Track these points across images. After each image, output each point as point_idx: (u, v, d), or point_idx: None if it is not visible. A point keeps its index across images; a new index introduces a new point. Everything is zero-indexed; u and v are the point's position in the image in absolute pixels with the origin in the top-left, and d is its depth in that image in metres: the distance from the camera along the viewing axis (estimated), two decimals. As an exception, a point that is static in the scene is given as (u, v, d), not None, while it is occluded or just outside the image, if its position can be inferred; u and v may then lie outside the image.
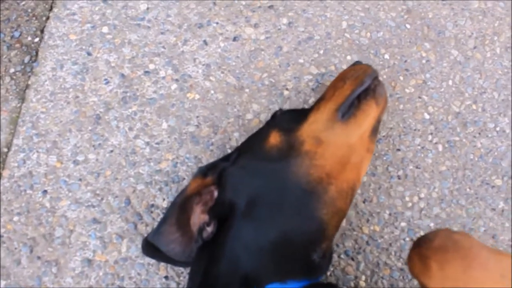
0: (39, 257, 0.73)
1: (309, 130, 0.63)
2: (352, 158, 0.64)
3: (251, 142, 0.68)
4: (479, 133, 0.84)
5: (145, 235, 0.73)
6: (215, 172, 0.65)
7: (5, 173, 0.76)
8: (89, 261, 0.73)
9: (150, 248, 0.67)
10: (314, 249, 0.60)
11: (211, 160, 0.77)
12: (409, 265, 0.51)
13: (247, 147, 0.67)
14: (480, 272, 0.45)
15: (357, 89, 0.66)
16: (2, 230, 0.73)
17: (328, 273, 0.75)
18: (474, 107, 0.85)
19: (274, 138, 0.64)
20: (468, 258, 0.45)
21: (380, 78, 0.70)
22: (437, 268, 0.46)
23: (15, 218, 0.74)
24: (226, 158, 0.68)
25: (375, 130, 0.68)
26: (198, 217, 0.63)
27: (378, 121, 0.68)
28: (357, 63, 0.74)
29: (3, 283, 0.71)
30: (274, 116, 0.72)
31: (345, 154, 0.63)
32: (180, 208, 0.64)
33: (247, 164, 0.63)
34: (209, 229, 0.62)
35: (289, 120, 0.67)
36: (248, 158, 0.64)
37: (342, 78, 0.70)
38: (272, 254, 0.58)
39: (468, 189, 0.81)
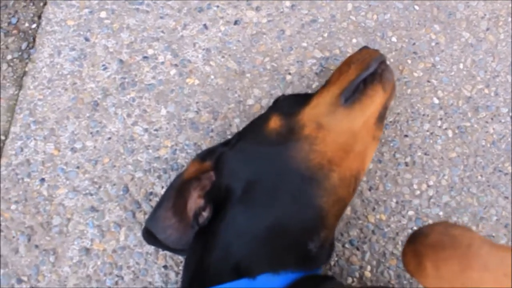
0: (36, 246, 0.71)
1: (310, 114, 0.61)
2: (356, 145, 0.61)
3: (251, 127, 0.66)
4: (492, 118, 0.80)
5: (144, 224, 0.71)
6: (214, 156, 0.63)
7: (3, 161, 0.74)
8: (87, 250, 0.71)
9: (151, 235, 0.66)
10: (311, 238, 0.57)
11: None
12: (403, 261, 0.47)
13: (247, 132, 0.65)
14: (481, 273, 0.41)
15: (362, 74, 0.63)
16: (0, 218, 0.72)
17: (332, 263, 0.72)
18: (486, 91, 0.81)
19: (274, 122, 0.62)
20: (467, 258, 0.41)
21: (388, 63, 0.67)
22: (431, 267, 0.42)
23: (13, 207, 0.73)
24: (226, 143, 0.66)
25: (381, 117, 0.65)
26: (195, 201, 0.61)
27: (385, 108, 0.66)
28: (364, 48, 0.71)
29: (1, 271, 0.70)
30: (277, 101, 0.69)
31: (348, 140, 0.60)
32: (177, 192, 0.62)
33: (246, 149, 0.61)
34: (205, 214, 0.60)
35: (291, 104, 0.65)
36: (247, 142, 0.62)
37: (347, 62, 0.68)
38: (266, 242, 0.56)
39: (479, 177, 0.77)
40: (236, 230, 0.56)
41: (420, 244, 0.44)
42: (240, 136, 0.65)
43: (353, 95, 0.62)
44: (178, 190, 0.62)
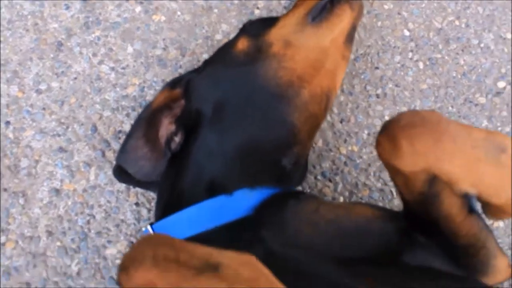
0: (5, 189, 0.70)
1: (277, 33, 0.61)
2: (326, 63, 0.61)
3: (219, 52, 0.66)
4: (462, 50, 0.80)
5: (114, 162, 0.70)
6: (183, 83, 0.62)
7: (-34, 105, 0.73)
8: (57, 191, 0.70)
9: (123, 171, 0.65)
10: (284, 154, 0.58)
11: (180, 83, 0.74)
12: (378, 150, 0.48)
13: (215, 58, 0.65)
14: (450, 144, 0.42)
15: None
16: (-34, 163, 0.71)
17: (305, 196, 0.72)
18: (457, 22, 0.81)
19: (242, 44, 0.61)
20: (437, 132, 0.43)
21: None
22: (407, 144, 0.43)
23: (-21, 150, 0.71)
24: (194, 70, 0.65)
25: (350, 37, 0.65)
26: (166, 128, 0.61)
27: (354, 28, 0.65)
28: None
29: (-31, 216, 0.69)
30: (244, 26, 0.69)
31: (317, 57, 0.60)
32: (147, 121, 0.62)
33: (214, 72, 0.61)
34: (177, 139, 0.60)
35: (259, 27, 0.64)
36: (215, 66, 0.62)
37: None
38: (239, 159, 0.56)
39: (450, 108, 0.77)
40: (207, 151, 0.56)
41: (393, 128, 0.45)
42: (208, 62, 0.64)
43: (320, 14, 0.62)
44: (148, 119, 0.62)
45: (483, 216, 0.49)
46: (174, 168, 0.59)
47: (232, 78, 0.59)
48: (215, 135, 0.57)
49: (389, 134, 0.45)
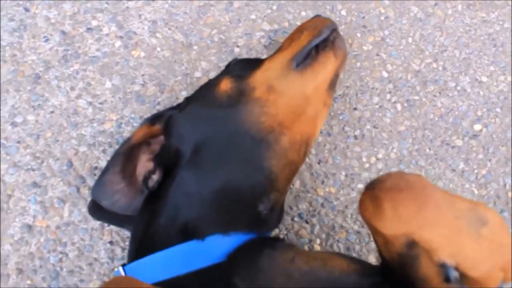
0: (-25, 224, 0.69)
1: (261, 77, 0.61)
2: (307, 110, 0.61)
3: (201, 90, 0.66)
4: (440, 92, 0.81)
5: (89, 198, 0.69)
6: (163, 119, 0.62)
7: None
8: (29, 227, 0.69)
9: (97, 208, 0.64)
10: (261, 200, 0.57)
11: (158, 120, 0.73)
12: (360, 209, 0.47)
13: (197, 95, 0.65)
14: (433, 212, 0.42)
15: (314, 40, 0.64)
16: None
17: (282, 237, 0.72)
18: (434, 65, 0.82)
19: (225, 85, 0.61)
20: (421, 198, 0.42)
21: (339, 31, 0.67)
22: (389, 208, 0.43)
23: (-51, 184, 0.70)
24: (175, 107, 0.65)
25: (333, 84, 0.65)
26: (144, 165, 0.60)
27: (336, 75, 0.66)
28: (316, 16, 0.71)
29: None
30: (229, 65, 0.69)
31: (299, 104, 0.60)
32: (125, 156, 0.61)
33: (195, 111, 0.61)
34: (155, 177, 0.59)
35: (243, 68, 0.65)
36: (196, 105, 0.61)
37: (300, 29, 0.68)
38: (215, 203, 0.55)
39: (427, 150, 0.78)
40: (184, 193, 0.56)
41: (377, 189, 0.45)
42: (190, 99, 0.64)
43: (304, 60, 0.62)
44: (126, 154, 0.61)
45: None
46: (150, 206, 0.59)
47: (213, 120, 0.59)
48: (193, 177, 0.56)
49: (373, 195, 0.45)
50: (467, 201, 0.44)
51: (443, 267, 0.43)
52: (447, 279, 0.44)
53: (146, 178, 0.60)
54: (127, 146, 0.61)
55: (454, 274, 0.43)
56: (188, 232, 0.54)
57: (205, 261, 0.51)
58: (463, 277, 0.44)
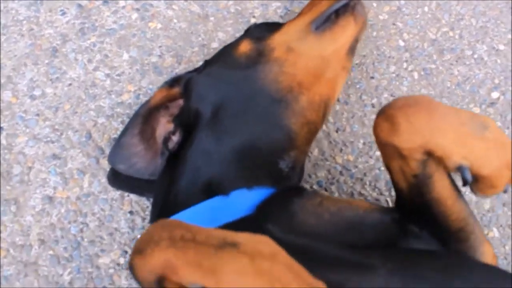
0: (-3, 196, 0.69)
1: (280, 39, 0.62)
2: (326, 72, 0.62)
3: (221, 52, 0.66)
4: (456, 61, 0.80)
5: (108, 169, 0.70)
6: (182, 82, 0.62)
7: (-42, 110, 0.72)
8: (50, 198, 0.69)
9: (116, 177, 0.64)
10: (281, 157, 0.58)
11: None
12: (375, 132, 0.51)
13: (216, 58, 0.65)
14: (442, 121, 0.47)
15: (334, 4, 0.64)
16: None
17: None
18: (451, 34, 0.82)
19: (244, 46, 0.62)
20: (429, 109, 0.47)
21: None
22: (404, 122, 0.47)
23: (-30, 157, 0.70)
24: (194, 70, 0.66)
25: (352, 49, 0.66)
26: (164, 127, 0.61)
27: (356, 40, 0.66)
28: None
29: (-41, 223, 0.67)
30: (248, 29, 0.70)
31: (318, 66, 0.61)
32: (144, 119, 0.61)
33: (215, 72, 0.61)
34: (175, 138, 0.60)
35: (262, 31, 0.65)
36: (216, 66, 0.62)
37: None
38: (236, 161, 0.56)
39: (445, 118, 0.78)
40: (205, 152, 0.56)
41: (390, 109, 0.49)
42: (209, 62, 0.64)
43: (324, 24, 0.63)
44: (145, 116, 0.61)
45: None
46: (171, 168, 0.59)
47: (232, 80, 0.59)
48: (213, 136, 0.57)
49: (387, 115, 0.49)
50: (468, 111, 0.49)
51: (459, 169, 0.47)
52: (464, 182, 0.48)
53: (166, 139, 0.61)
54: (146, 108, 0.62)
55: (469, 177, 0.47)
56: (212, 189, 0.54)
57: (233, 214, 0.52)
58: (476, 181, 0.48)
